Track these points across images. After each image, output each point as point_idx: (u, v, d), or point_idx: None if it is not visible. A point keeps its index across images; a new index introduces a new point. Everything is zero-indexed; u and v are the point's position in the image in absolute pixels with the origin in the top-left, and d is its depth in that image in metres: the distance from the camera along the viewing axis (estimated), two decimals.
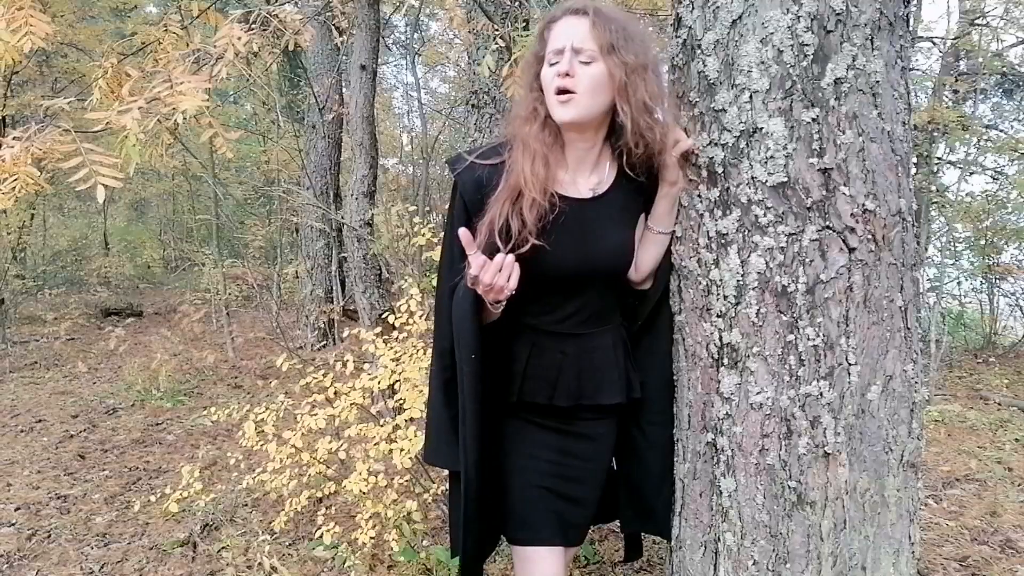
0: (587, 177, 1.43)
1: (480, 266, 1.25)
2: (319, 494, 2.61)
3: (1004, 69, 6.88)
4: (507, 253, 1.29)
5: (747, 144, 1.30)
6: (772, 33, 1.26)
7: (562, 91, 1.30)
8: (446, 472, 2.65)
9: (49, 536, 2.85)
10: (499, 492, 1.49)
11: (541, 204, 1.32)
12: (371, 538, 2.33)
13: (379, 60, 5.49)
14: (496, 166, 1.39)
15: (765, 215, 1.29)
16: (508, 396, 1.46)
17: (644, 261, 1.51)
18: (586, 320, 1.46)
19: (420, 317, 2.63)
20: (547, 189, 1.34)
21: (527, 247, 1.32)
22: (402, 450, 2.24)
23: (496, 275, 1.26)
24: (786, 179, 1.27)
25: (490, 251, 1.30)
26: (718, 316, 1.37)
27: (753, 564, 1.35)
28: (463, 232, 1.27)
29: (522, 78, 1.48)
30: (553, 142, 1.37)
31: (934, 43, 7.08)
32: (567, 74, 1.29)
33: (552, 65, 1.32)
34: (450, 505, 1.58)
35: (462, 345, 1.38)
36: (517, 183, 1.34)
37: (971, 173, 6.50)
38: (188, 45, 1.90)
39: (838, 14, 1.24)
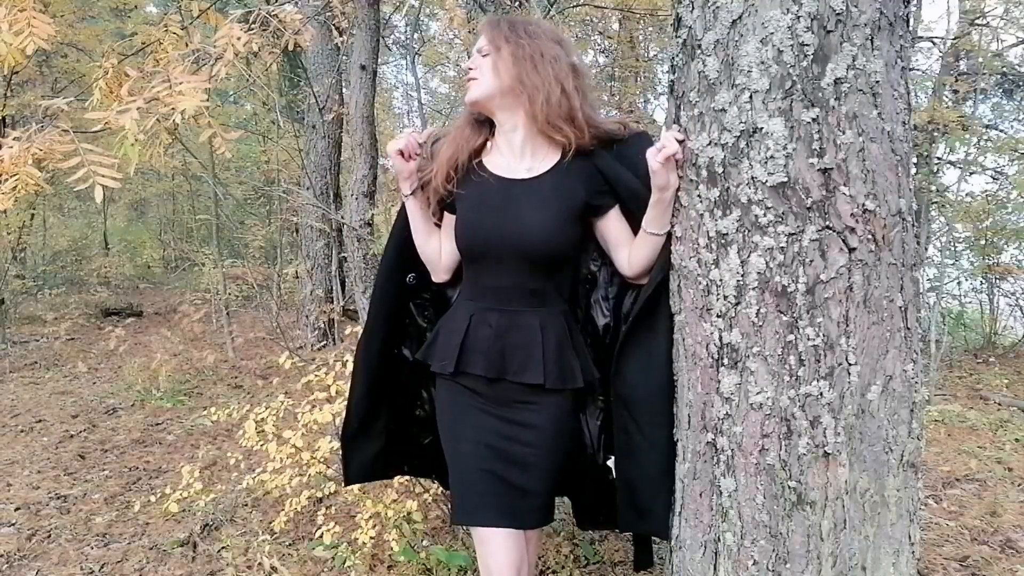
0: (520, 161, 1.58)
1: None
2: (319, 494, 2.61)
3: (1004, 69, 6.88)
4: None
5: (747, 144, 1.30)
6: (772, 33, 1.26)
7: (468, 80, 1.57)
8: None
9: (49, 536, 2.85)
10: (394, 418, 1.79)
11: (440, 192, 1.60)
12: (371, 538, 2.33)
13: (379, 60, 5.48)
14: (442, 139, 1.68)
15: (765, 215, 1.29)
16: (446, 366, 1.58)
17: (637, 260, 1.54)
18: (509, 297, 1.56)
19: None
20: (451, 177, 1.58)
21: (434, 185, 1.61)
22: None
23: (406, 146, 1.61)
24: (786, 179, 1.27)
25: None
26: (718, 316, 1.37)
27: (753, 564, 1.35)
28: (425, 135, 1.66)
29: None
30: (471, 134, 1.62)
31: (934, 43, 7.09)
32: (470, 67, 1.57)
33: None
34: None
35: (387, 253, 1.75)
36: (429, 173, 1.62)
37: (971, 173, 6.50)
38: (188, 45, 1.90)
39: (838, 14, 1.24)
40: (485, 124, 1.63)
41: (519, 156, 1.58)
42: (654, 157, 1.41)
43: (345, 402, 2.44)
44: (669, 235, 1.49)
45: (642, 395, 1.54)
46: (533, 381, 1.53)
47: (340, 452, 1.85)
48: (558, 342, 1.55)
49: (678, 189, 1.45)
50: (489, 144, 1.63)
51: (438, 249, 1.69)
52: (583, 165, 1.55)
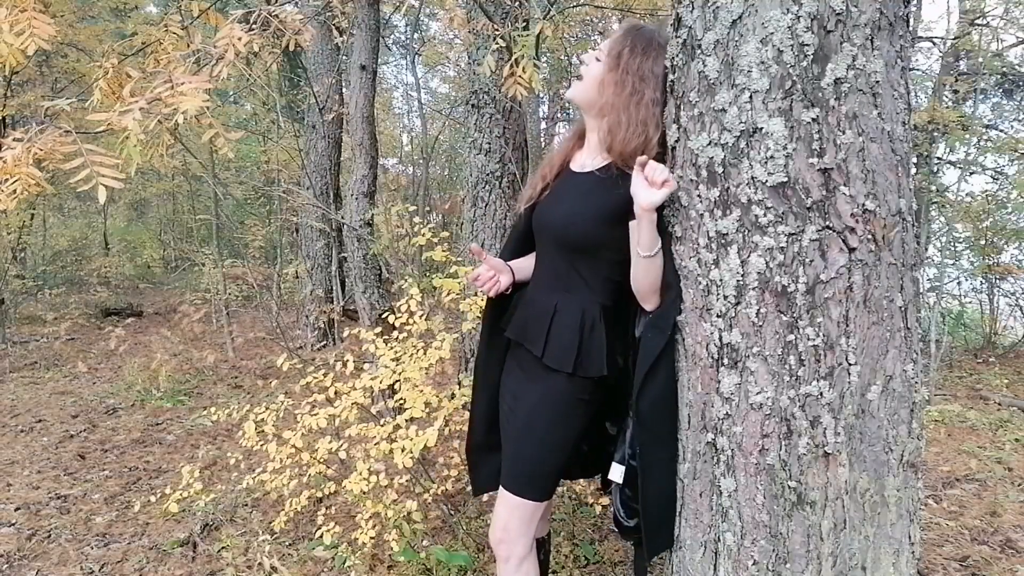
0: (583, 157, 1.69)
1: (474, 277, 1.69)
2: (319, 494, 2.61)
3: (1004, 69, 6.89)
4: (526, 207, 1.74)
5: (747, 144, 1.30)
6: (772, 33, 1.26)
7: (577, 77, 1.64)
8: (445, 472, 2.66)
9: (49, 536, 2.85)
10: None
11: (547, 176, 1.71)
12: (371, 538, 2.33)
13: (379, 60, 5.48)
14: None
15: (765, 215, 1.29)
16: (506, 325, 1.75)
17: (633, 279, 1.53)
18: (545, 275, 1.69)
19: (420, 317, 2.63)
20: (557, 167, 1.70)
21: (530, 204, 1.73)
22: (403, 450, 2.24)
23: (482, 281, 1.69)
24: (786, 179, 1.27)
25: (530, 205, 1.73)
26: (718, 316, 1.37)
27: (753, 564, 1.35)
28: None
29: None
30: (577, 133, 1.74)
31: (934, 43, 7.09)
32: (582, 62, 1.63)
33: None
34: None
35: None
36: (543, 163, 1.76)
37: (971, 173, 6.50)
38: (188, 45, 1.90)
39: (838, 14, 1.24)
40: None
41: (591, 154, 1.67)
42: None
43: (348, 401, 2.45)
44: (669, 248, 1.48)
45: (658, 411, 1.51)
46: (534, 351, 1.64)
47: (466, 464, 1.93)
48: (566, 326, 1.60)
49: (661, 209, 1.44)
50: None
51: None
52: (615, 175, 1.56)
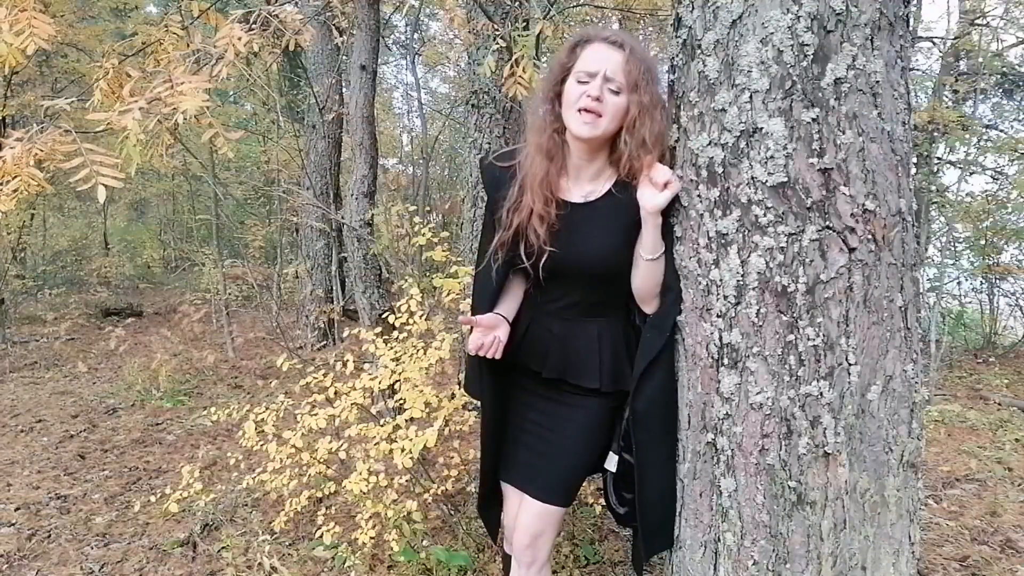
0: (582, 185, 1.58)
1: (477, 347, 1.58)
2: (319, 494, 2.61)
3: (1004, 69, 6.88)
4: (531, 266, 1.55)
5: (747, 144, 1.30)
6: (772, 33, 1.26)
7: (588, 111, 1.45)
8: (445, 472, 2.67)
9: (49, 536, 2.85)
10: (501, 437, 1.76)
11: (548, 216, 1.53)
12: (371, 538, 2.33)
13: (379, 60, 5.48)
14: (509, 168, 1.61)
15: (765, 215, 1.29)
16: (511, 357, 1.65)
17: (636, 283, 1.54)
18: (572, 308, 1.62)
19: (420, 317, 2.63)
20: (550, 200, 1.53)
21: (545, 256, 1.53)
22: (402, 450, 2.24)
23: (485, 349, 1.58)
24: (786, 179, 1.27)
25: (510, 256, 1.58)
26: (718, 316, 1.37)
27: (753, 564, 1.35)
28: (463, 319, 1.60)
29: (541, 86, 1.62)
30: (555, 151, 1.55)
31: (934, 43, 7.09)
32: (597, 99, 1.44)
33: (580, 83, 1.47)
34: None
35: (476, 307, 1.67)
36: (527, 202, 1.54)
37: (971, 173, 6.50)
38: (188, 45, 1.90)
39: (838, 14, 1.24)
40: (564, 143, 1.56)
41: (584, 182, 1.57)
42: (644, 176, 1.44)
43: (348, 401, 2.45)
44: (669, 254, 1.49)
45: (654, 411, 1.53)
46: (591, 385, 1.60)
47: (481, 521, 1.94)
48: (614, 349, 1.60)
49: (668, 213, 1.46)
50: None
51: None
52: (631, 186, 1.53)
